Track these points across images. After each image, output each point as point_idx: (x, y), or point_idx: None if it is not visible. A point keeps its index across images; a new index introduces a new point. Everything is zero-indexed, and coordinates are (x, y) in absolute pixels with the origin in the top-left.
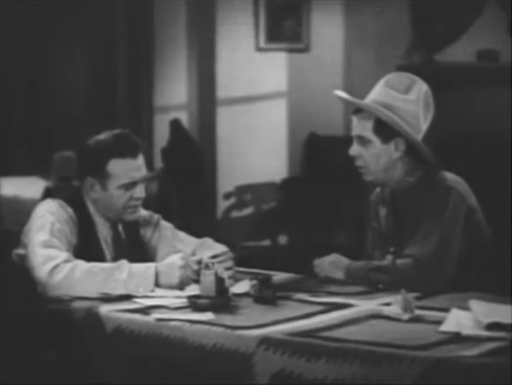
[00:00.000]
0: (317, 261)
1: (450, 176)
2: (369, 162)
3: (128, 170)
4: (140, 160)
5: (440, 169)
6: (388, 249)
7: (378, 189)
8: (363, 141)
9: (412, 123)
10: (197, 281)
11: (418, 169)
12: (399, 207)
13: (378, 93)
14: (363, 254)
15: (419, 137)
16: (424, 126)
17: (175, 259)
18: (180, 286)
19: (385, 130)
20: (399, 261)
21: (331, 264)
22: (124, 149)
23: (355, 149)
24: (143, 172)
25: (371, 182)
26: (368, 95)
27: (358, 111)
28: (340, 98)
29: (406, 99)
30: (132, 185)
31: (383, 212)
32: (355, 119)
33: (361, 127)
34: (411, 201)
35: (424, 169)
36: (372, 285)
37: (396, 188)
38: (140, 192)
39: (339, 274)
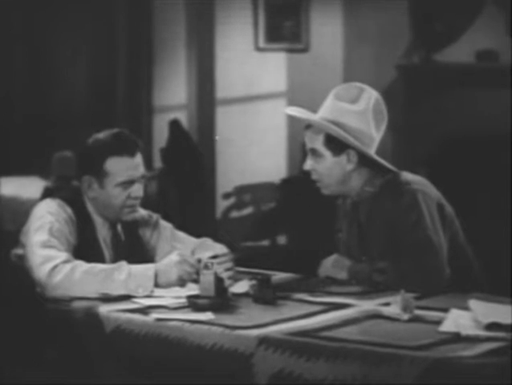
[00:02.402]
0: (321, 264)
1: (411, 178)
2: (323, 175)
3: (125, 168)
4: (138, 158)
5: (400, 173)
6: (360, 259)
7: (340, 201)
8: (316, 155)
9: (361, 134)
10: (196, 281)
11: (377, 177)
12: (361, 218)
13: (327, 106)
14: None
15: (372, 147)
16: (377, 135)
17: (171, 256)
18: (180, 282)
19: (335, 143)
20: (403, 264)
21: (334, 265)
22: (122, 147)
23: (308, 163)
24: (140, 170)
25: (329, 195)
26: (320, 108)
27: (309, 125)
28: (290, 115)
29: (354, 109)
30: (129, 184)
31: (345, 224)
32: (307, 133)
33: (313, 140)
34: (374, 211)
35: (384, 176)
36: (375, 286)
37: (356, 200)
38: (137, 191)
39: (343, 275)
